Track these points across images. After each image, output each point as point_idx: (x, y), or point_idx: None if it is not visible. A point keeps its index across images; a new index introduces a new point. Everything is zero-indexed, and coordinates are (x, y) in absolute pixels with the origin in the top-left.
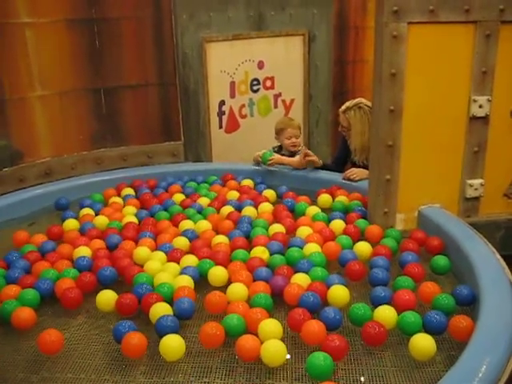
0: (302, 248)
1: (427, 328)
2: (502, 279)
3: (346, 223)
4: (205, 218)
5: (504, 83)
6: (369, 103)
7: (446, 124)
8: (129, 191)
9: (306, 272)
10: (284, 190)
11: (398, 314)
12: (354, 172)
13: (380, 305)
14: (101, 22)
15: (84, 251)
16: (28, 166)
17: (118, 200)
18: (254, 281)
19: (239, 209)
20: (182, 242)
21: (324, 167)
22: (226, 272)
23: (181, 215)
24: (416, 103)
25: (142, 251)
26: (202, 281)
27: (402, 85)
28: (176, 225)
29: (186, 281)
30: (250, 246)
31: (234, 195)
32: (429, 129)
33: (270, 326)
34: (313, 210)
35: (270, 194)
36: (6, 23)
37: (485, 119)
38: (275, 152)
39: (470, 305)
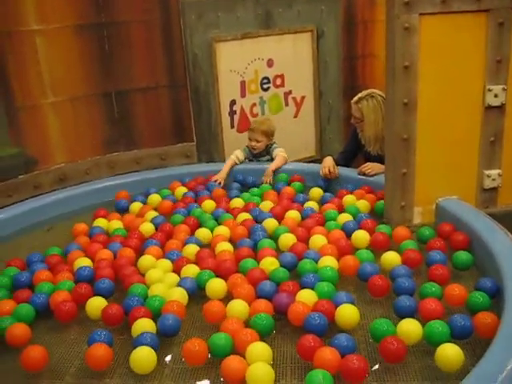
0: (316, 261)
1: (454, 334)
2: None
3: (370, 232)
4: (219, 224)
5: None
6: (381, 93)
7: (461, 115)
8: (182, 190)
9: (312, 288)
10: (327, 198)
11: (423, 325)
12: (369, 166)
13: (405, 315)
14: (110, 26)
15: (85, 261)
16: (43, 173)
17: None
18: (257, 295)
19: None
20: (191, 250)
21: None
22: (224, 285)
23: (192, 220)
24: (430, 95)
25: (145, 260)
26: (201, 292)
27: (415, 77)
28: (191, 230)
29: (179, 294)
30: (258, 257)
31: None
32: (444, 120)
33: (258, 350)
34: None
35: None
36: (15, 31)
37: (500, 108)
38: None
39: (493, 297)
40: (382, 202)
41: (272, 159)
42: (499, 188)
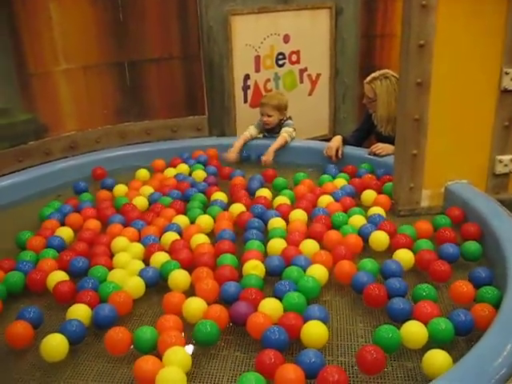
0: (304, 269)
1: (456, 331)
2: None
3: (390, 235)
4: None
5: None
6: (395, 74)
7: (476, 97)
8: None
9: (280, 298)
10: (340, 195)
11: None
12: (380, 147)
13: (400, 319)
14: None
15: (65, 231)
16: (53, 140)
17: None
18: (220, 296)
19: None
20: (170, 237)
21: (343, 142)
22: (188, 277)
23: (179, 204)
24: (444, 76)
25: (119, 241)
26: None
27: (430, 56)
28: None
29: (135, 284)
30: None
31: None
32: (457, 102)
33: (177, 355)
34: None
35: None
36: None
37: None
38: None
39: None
40: (390, 184)
41: None
42: (511, 174)
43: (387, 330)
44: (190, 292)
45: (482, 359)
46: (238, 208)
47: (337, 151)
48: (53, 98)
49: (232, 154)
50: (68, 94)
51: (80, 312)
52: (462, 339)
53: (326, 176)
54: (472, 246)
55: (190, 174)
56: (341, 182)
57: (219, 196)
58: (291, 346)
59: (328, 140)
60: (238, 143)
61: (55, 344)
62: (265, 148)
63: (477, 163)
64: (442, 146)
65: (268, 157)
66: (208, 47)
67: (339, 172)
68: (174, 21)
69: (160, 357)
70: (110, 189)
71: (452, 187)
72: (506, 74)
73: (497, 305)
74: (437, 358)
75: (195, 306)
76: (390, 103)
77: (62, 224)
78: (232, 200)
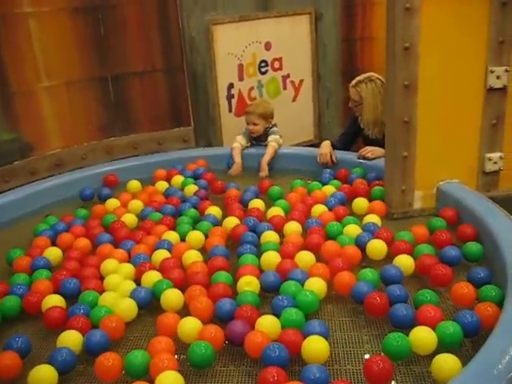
0: (302, 283)
1: (464, 333)
2: None
3: (387, 243)
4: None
5: None
6: (380, 77)
7: (463, 97)
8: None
9: (278, 314)
10: (333, 203)
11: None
12: (369, 150)
13: (402, 325)
14: (105, 8)
15: (53, 251)
16: (39, 159)
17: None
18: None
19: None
20: (160, 255)
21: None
22: (181, 297)
23: (168, 219)
24: (431, 77)
25: (109, 263)
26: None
27: (416, 59)
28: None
29: (127, 307)
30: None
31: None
32: (445, 103)
33: (169, 380)
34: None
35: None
36: (8, 14)
37: (502, 90)
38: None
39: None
40: (378, 188)
41: None
42: (500, 171)
43: (396, 337)
44: (184, 311)
45: (491, 361)
46: (231, 222)
47: (331, 156)
48: (36, 116)
49: (236, 171)
50: (51, 111)
51: (71, 339)
52: (466, 340)
53: (315, 183)
54: (473, 247)
55: (182, 187)
56: (330, 189)
57: (212, 210)
58: (293, 363)
59: (314, 145)
60: (238, 159)
61: (43, 375)
62: (254, 157)
63: (467, 162)
64: (431, 146)
65: (264, 172)
66: (191, 58)
67: (333, 178)
68: (155, 33)
69: (152, 382)
70: (105, 200)
71: (444, 187)
72: (492, 72)
73: (499, 303)
74: (446, 361)
75: (190, 325)
76: (376, 106)
77: (54, 241)
78: (226, 212)
